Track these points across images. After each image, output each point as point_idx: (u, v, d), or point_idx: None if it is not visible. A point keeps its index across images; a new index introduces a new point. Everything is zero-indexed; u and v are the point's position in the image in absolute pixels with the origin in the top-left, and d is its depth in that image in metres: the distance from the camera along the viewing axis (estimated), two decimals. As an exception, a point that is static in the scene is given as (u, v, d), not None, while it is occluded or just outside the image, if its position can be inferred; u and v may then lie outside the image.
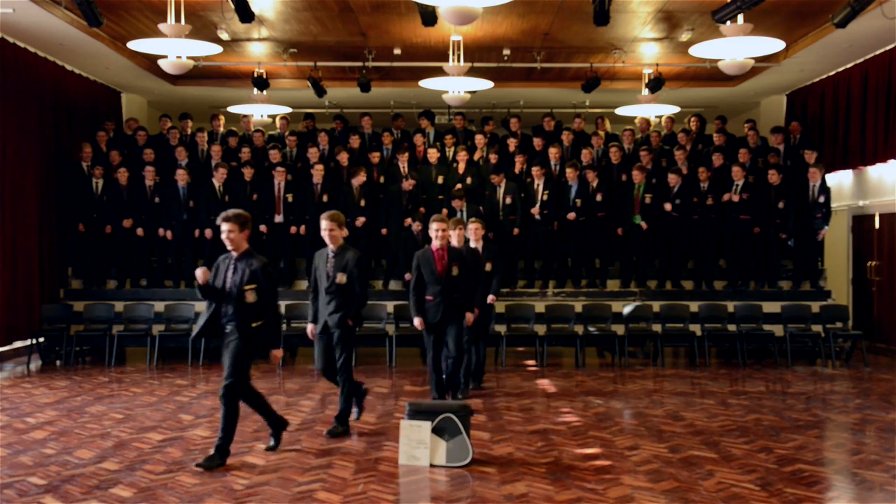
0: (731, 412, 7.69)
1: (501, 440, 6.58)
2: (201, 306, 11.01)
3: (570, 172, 11.45)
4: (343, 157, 12.15)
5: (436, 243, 7.41)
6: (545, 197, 11.45)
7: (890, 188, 11.63)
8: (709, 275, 11.80)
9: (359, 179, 11.52)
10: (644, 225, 11.47)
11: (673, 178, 11.59)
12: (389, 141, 12.98)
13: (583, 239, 11.62)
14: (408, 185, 11.51)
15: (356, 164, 12.06)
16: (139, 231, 11.60)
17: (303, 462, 5.94)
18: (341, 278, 6.52)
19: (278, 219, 11.59)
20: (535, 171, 11.51)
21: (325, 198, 11.57)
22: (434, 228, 7.40)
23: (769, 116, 14.71)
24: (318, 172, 11.62)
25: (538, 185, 11.48)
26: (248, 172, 11.75)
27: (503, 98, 14.44)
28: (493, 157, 12.07)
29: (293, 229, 11.60)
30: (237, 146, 12.79)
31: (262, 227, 11.54)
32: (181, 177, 11.58)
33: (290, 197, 11.64)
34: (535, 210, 11.42)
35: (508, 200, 11.35)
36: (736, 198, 11.39)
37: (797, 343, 10.99)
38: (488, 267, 8.53)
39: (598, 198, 11.52)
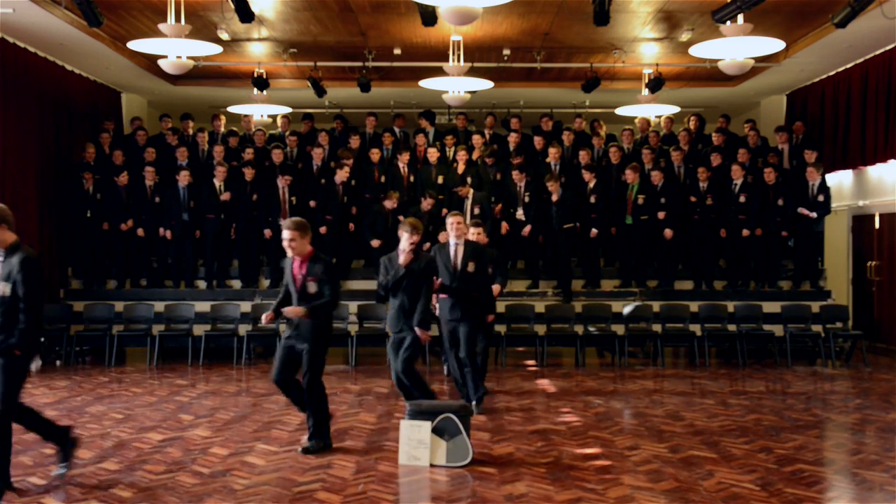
0: (731, 412, 7.69)
1: (501, 440, 6.58)
2: (202, 306, 11.16)
3: (551, 186, 11.25)
4: (348, 165, 12.12)
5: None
6: (527, 198, 11.44)
7: (890, 188, 11.63)
8: (709, 275, 11.81)
9: (391, 203, 11.33)
10: (667, 225, 11.46)
11: (656, 176, 11.60)
12: (390, 141, 12.99)
13: (577, 240, 11.60)
14: (427, 204, 11.24)
15: (365, 177, 12.13)
16: (139, 231, 11.62)
17: (303, 462, 5.94)
18: (3, 289, 5.11)
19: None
20: (515, 174, 11.47)
21: (345, 199, 11.63)
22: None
23: (769, 116, 14.71)
24: (342, 174, 11.56)
25: (520, 187, 11.47)
26: (248, 173, 11.74)
27: (503, 98, 14.44)
28: (489, 160, 12.07)
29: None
30: (238, 146, 12.79)
31: (267, 232, 11.48)
32: (183, 177, 11.58)
33: (294, 199, 11.61)
34: (520, 213, 11.44)
35: (477, 211, 11.28)
36: (743, 197, 11.43)
37: (797, 343, 10.98)
38: (471, 267, 7.49)
39: (593, 199, 11.52)
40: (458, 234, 7.48)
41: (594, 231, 11.55)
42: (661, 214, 11.43)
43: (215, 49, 10.10)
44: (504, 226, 11.45)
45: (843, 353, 11.13)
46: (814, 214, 11.44)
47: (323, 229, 11.49)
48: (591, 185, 11.60)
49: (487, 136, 13.16)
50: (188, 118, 13.46)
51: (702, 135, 13.51)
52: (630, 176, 11.55)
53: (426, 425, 5.83)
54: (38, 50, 11.23)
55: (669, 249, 11.64)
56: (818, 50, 11.31)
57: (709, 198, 11.59)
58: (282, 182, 11.60)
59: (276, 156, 12.20)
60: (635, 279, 11.76)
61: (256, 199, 11.69)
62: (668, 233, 11.45)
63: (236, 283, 11.86)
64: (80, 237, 11.73)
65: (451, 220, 7.47)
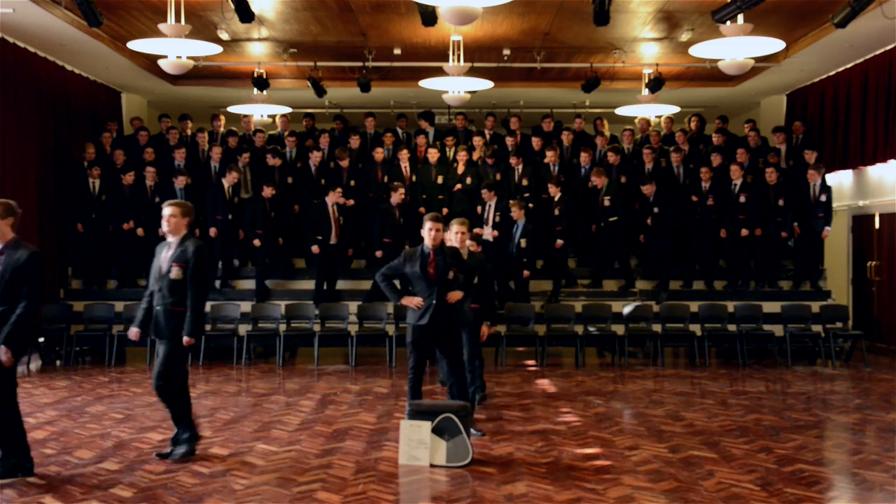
0: (731, 412, 7.69)
1: (501, 440, 6.58)
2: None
3: (515, 212, 10.72)
4: (345, 163, 12.10)
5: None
6: (497, 218, 11.22)
7: (890, 188, 11.62)
8: (709, 275, 11.81)
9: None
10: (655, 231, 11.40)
11: (647, 189, 11.49)
12: (391, 141, 12.98)
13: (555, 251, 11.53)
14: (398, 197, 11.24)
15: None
16: (139, 231, 11.61)
17: (303, 462, 5.94)
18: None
19: (333, 241, 11.26)
20: (484, 192, 11.28)
21: (401, 220, 11.42)
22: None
23: (769, 116, 14.71)
24: (397, 196, 11.27)
25: (490, 206, 11.27)
26: (269, 191, 11.54)
27: (503, 98, 14.44)
28: (489, 160, 12.07)
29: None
30: (237, 146, 12.78)
31: (315, 248, 11.17)
32: (180, 181, 11.50)
33: (342, 219, 11.41)
34: (482, 231, 10.72)
35: (497, 218, 11.25)
36: (743, 197, 11.46)
37: (797, 343, 10.99)
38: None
39: (557, 212, 11.36)
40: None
41: (559, 242, 11.30)
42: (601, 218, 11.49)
43: (215, 49, 10.10)
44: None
45: (843, 353, 11.13)
46: (827, 229, 11.50)
47: (379, 253, 11.14)
48: (556, 197, 11.39)
49: (488, 137, 13.17)
50: (186, 118, 13.44)
51: (702, 135, 13.52)
52: (597, 180, 11.50)
53: (426, 425, 5.84)
54: (38, 50, 11.23)
55: (666, 251, 11.61)
56: (818, 50, 11.30)
57: (710, 198, 11.60)
58: (331, 199, 11.25)
59: (271, 160, 12.13)
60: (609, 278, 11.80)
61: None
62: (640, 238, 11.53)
63: (237, 283, 11.86)
64: (82, 237, 11.72)
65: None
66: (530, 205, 11.69)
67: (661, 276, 11.69)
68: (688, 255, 11.97)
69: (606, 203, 11.46)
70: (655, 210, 11.48)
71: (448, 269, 6.42)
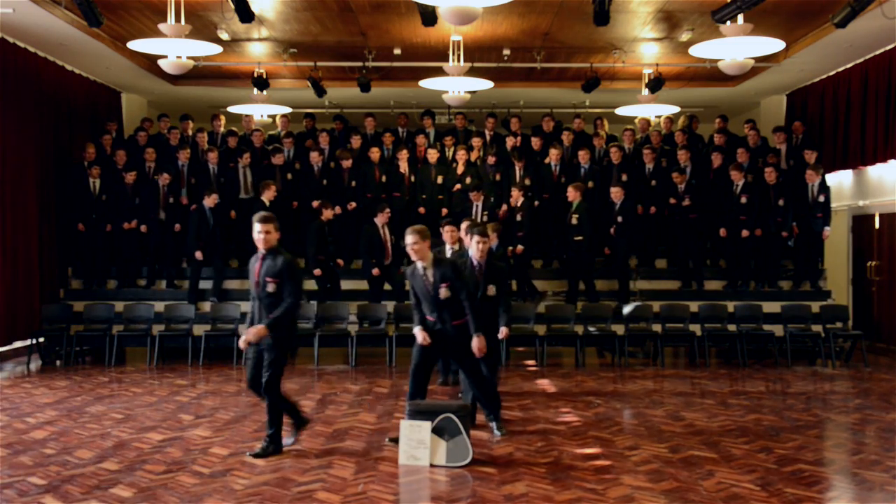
0: (731, 412, 7.69)
1: (501, 440, 6.58)
2: (204, 307, 11.16)
3: (491, 228, 10.20)
4: (347, 164, 12.09)
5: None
6: (485, 218, 11.07)
7: (890, 188, 11.63)
8: (697, 274, 11.82)
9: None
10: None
11: (616, 193, 11.35)
12: (390, 141, 12.99)
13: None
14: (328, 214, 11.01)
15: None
16: (143, 228, 11.61)
17: (303, 462, 5.94)
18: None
19: (387, 261, 11.10)
20: (473, 195, 11.22)
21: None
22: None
23: (769, 116, 14.71)
24: (449, 230, 10.75)
25: (477, 206, 11.21)
26: (329, 214, 11.28)
27: (503, 98, 14.44)
28: (490, 160, 12.07)
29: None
30: (237, 146, 12.77)
31: (375, 271, 10.95)
32: (211, 200, 11.26)
33: (393, 238, 11.14)
34: None
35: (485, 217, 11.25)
36: (745, 198, 11.44)
37: (797, 343, 10.98)
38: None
39: (519, 217, 11.23)
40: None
41: (520, 248, 11.12)
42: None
43: (215, 49, 10.10)
44: None
45: (843, 353, 11.13)
46: (827, 230, 11.48)
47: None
48: (519, 203, 11.23)
49: (488, 137, 13.16)
50: (187, 119, 13.43)
51: (695, 134, 13.53)
52: (571, 194, 11.22)
53: (426, 425, 5.84)
54: (38, 50, 11.23)
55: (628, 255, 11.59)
56: (818, 50, 11.31)
57: (686, 198, 11.60)
58: (380, 220, 10.99)
59: (277, 159, 12.16)
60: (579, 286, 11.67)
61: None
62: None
63: (234, 283, 11.86)
64: (82, 237, 11.71)
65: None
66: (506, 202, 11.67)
67: (623, 281, 11.54)
68: (677, 256, 11.98)
69: (574, 221, 11.24)
70: (619, 219, 11.31)
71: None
